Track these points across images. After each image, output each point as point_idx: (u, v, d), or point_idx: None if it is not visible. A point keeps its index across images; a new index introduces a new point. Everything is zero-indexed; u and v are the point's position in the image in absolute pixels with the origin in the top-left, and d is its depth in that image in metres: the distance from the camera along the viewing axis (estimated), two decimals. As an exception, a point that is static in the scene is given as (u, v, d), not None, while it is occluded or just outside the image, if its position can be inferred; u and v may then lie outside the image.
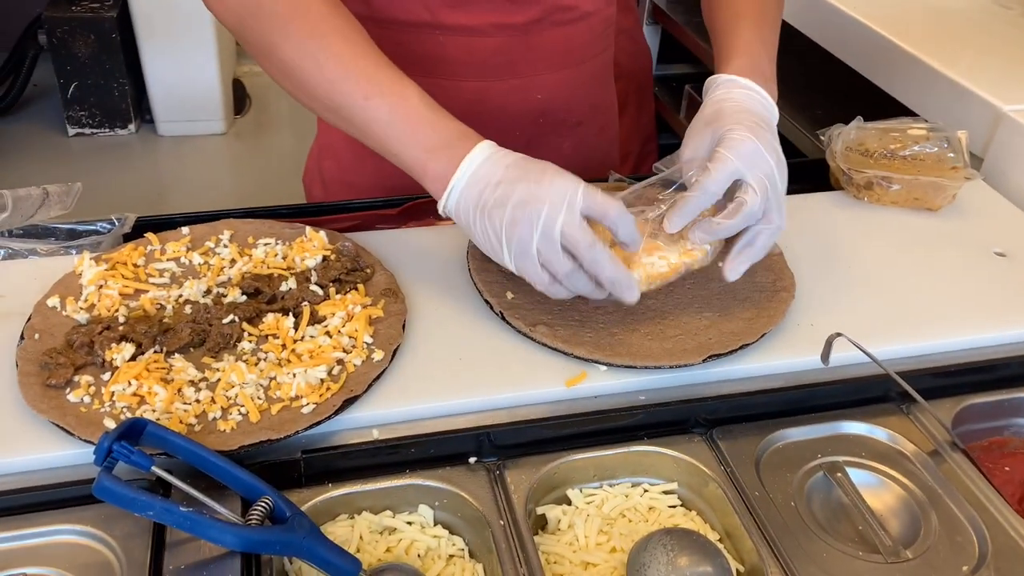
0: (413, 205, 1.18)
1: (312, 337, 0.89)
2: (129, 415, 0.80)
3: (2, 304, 0.93)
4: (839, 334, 0.88)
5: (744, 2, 1.04)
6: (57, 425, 0.78)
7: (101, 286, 0.93)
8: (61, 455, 0.78)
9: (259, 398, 0.83)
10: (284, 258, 0.99)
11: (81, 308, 0.91)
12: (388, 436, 0.83)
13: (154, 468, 0.72)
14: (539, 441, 0.85)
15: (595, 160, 1.33)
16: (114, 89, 3.36)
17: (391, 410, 0.85)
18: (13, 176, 3.19)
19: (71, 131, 3.44)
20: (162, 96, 3.40)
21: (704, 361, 0.89)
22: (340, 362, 0.87)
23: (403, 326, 0.92)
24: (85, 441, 0.77)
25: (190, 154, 3.45)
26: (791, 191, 1.25)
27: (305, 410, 0.81)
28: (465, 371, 0.89)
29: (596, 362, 0.89)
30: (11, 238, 1.03)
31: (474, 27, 1.12)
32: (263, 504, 0.71)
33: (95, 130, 3.45)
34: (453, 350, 0.92)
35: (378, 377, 0.86)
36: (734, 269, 0.90)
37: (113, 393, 0.82)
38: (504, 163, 0.84)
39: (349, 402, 0.83)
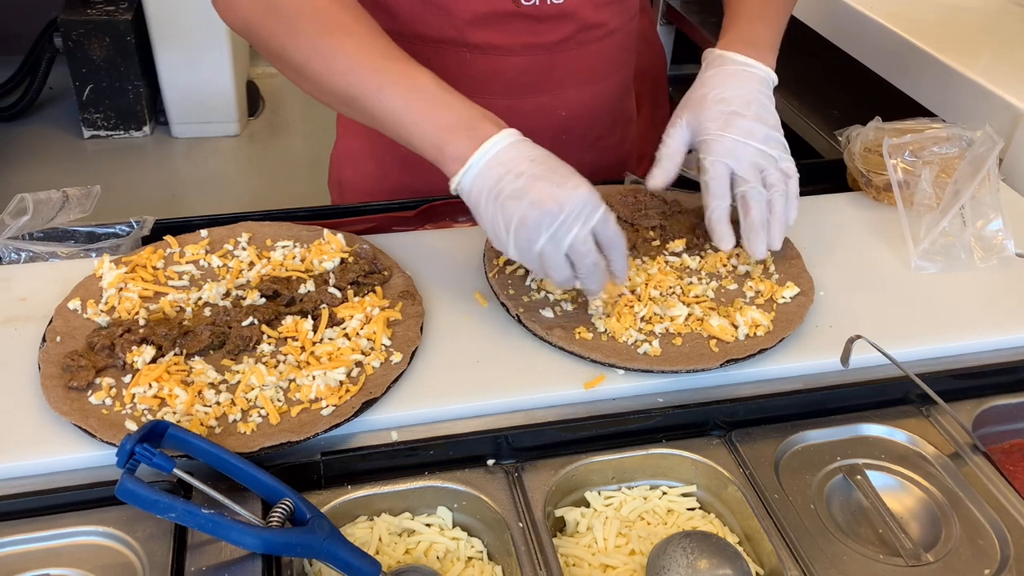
0: (429, 207, 1.18)
1: (331, 339, 0.90)
2: (150, 417, 0.80)
3: (24, 307, 0.94)
4: (859, 336, 0.87)
5: None
6: (79, 427, 0.79)
7: (121, 289, 0.94)
8: (83, 456, 0.79)
9: (279, 400, 0.83)
10: (302, 260, 1.00)
11: (102, 311, 0.92)
12: (407, 438, 0.83)
13: (175, 470, 0.72)
14: (557, 443, 0.85)
15: (612, 170, 1.34)
16: (129, 91, 3.38)
17: (410, 412, 0.85)
18: (29, 178, 3.22)
19: (86, 133, 3.46)
20: (176, 98, 3.42)
21: (722, 365, 0.89)
22: (359, 364, 0.87)
23: (421, 328, 0.92)
24: (107, 443, 0.78)
25: (204, 156, 3.47)
26: (807, 192, 1.25)
27: (325, 412, 0.82)
28: (483, 373, 0.89)
29: (614, 366, 0.89)
30: (32, 241, 1.04)
31: (502, 46, 1.12)
32: (283, 506, 0.72)
33: (110, 132, 3.48)
34: (471, 353, 0.92)
35: (396, 379, 0.86)
36: (759, 246, 0.97)
37: (134, 395, 0.82)
38: (529, 156, 0.84)
39: (368, 404, 0.84)
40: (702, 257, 1.04)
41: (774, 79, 1.01)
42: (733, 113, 0.95)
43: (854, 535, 0.81)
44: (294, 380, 0.85)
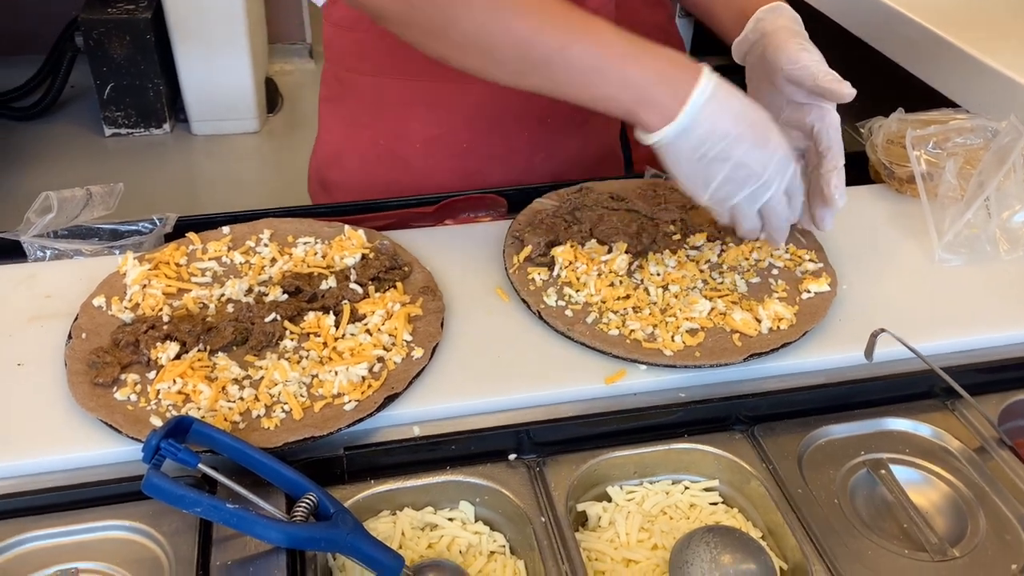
0: (448, 203, 1.18)
1: (352, 335, 0.90)
2: (175, 413, 0.81)
3: (49, 304, 0.95)
4: (883, 330, 0.87)
5: None
6: (105, 423, 0.80)
7: (145, 285, 0.95)
8: (109, 452, 0.80)
9: (302, 395, 0.83)
10: (323, 257, 1.00)
11: (126, 308, 0.93)
12: (429, 433, 0.83)
13: (200, 465, 0.73)
14: (579, 438, 0.85)
15: (598, 157, 1.33)
16: (149, 89, 3.41)
17: (431, 407, 0.85)
18: (52, 176, 3.25)
19: (107, 131, 3.49)
20: (196, 96, 3.45)
21: (746, 360, 0.89)
22: (380, 359, 0.87)
23: (441, 324, 0.92)
24: (132, 439, 0.78)
25: (223, 152, 3.49)
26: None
27: (347, 407, 0.82)
28: (504, 368, 0.89)
29: (636, 361, 0.89)
30: (57, 239, 1.05)
31: None
32: (307, 500, 0.72)
33: (131, 130, 3.51)
34: (492, 348, 0.92)
35: (418, 374, 0.87)
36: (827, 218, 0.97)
37: (159, 391, 0.83)
38: (729, 108, 0.85)
39: (390, 399, 0.84)
40: (723, 250, 1.04)
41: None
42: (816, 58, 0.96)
43: (879, 530, 0.80)
44: (317, 375, 0.85)
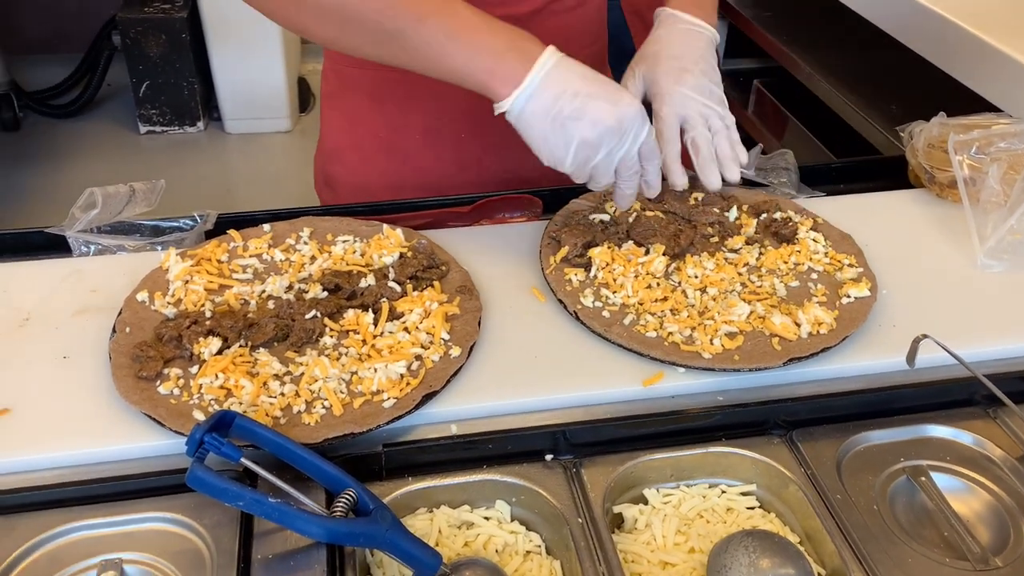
0: (485, 203, 1.18)
1: (391, 333, 0.91)
2: (216, 407, 0.82)
3: (95, 298, 0.96)
4: (925, 335, 0.86)
5: None
6: (149, 416, 0.81)
7: (187, 281, 0.96)
8: (152, 445, 0.81)
9: (341, 392, 0.84)
10: (362, 255, 1.01)
11: (169, 303, 0.94)
12: (466, 432, 0.84)
13: (242, 459, 0.73)
14: (616, 440, 0.85)
15: None
16: (183, 88, 3.45)
17: (469, 406, 0.86)
18: (88, 172, 3.30)
19: (143, 129, 3.54)
20: (229, 95, 3.48)
21: (785, 364, 0.88)
22: (418, 358, 0.88)
23: (479, 324, 0.93)
24: (176, 432, 0.79)
25: (256, 151, 3.52)
26: (866, 189, 1.23)
27: (386, 404, 0.83)
28: (541, 369, 0.90)
29: (674, 364, 0.89)
30: (101, 234, 1.07)
31: None
32: (347, 496, 0.73)
33: (165, 128, 3.55)
34: (529, 348, 0.92)
35: (455, 373, 0.87)
36: (713, 176, 1.01)
37: (201, 386, 0.84)
38: (579, 73, 0.88)
39: (428, 397, 0.84)
40: (762, 254, 1.03)
41: (718, 38, 1.09)
42: (683, 70, 1.02)
43: (918, 538, 0.79)
44: (356, 372, 0.86)
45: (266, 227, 1.05)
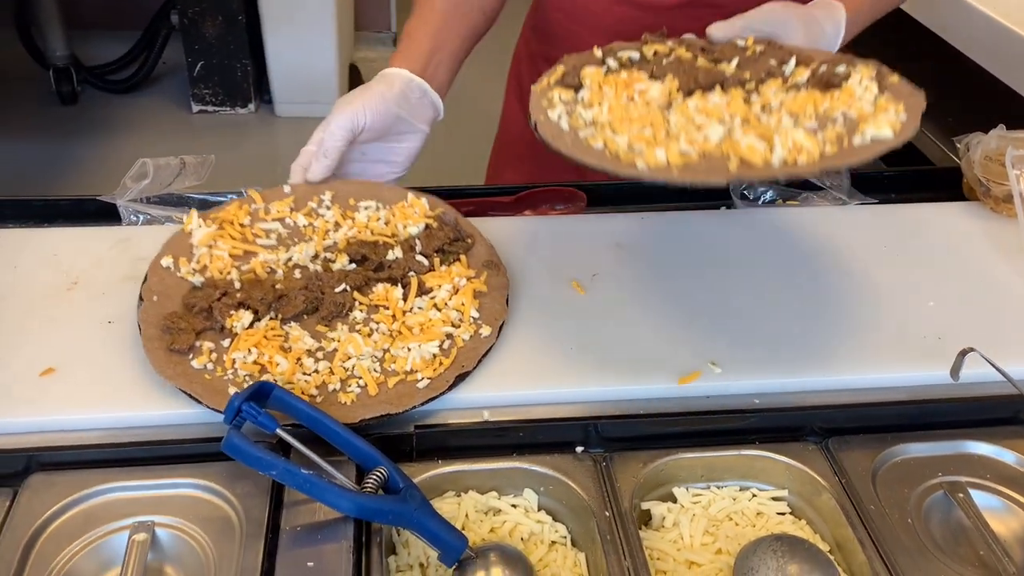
0: (529, 194, 1.18)
1: (420, 308, 0.90)
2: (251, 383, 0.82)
3: (142, 267, 0.97)
4: (971, 349, 0.84)
5: None
6: (184, 392, 0.81)
7: (211, 246, 0.95)
8: (188, 412, 0.82)
9: (375, 370, 0.84)
10: (387, 224, 1.00)
11: (195, 270, 0.93)
12: (497, 418, 0.84)
13: (278, 430, 0.74)
14: (647, 436, 0.85)
15: None
16: (237, 69, 3.50)
17: (500, 393, 0.86)
18: (141, 147, 3.36)
19: (195, 107, 3.59)
20: (281, 78, 3.52)
21: (728, 183, 0.80)
22: (449, 336, 0.88)
23: (507, 301, 0.92)
24: (212, 409, 0.79)
25: (305, 134, 3.46)
26: (918, 199, 1.21)
27: (420, 384, 0.83)
28: (576, 360, 0.89)
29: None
30: (150, 204, 1.08)
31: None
32: (378, 473, 0.73)
33: (217, 108, 3.60)
34: (564, 339, 0.92)
35: (486, 353, 0.87)
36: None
37: (235, 361, 0.84)
38: None
39: (460, 378, 0.84)
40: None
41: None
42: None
43: (953, 555, 0.78)
44: (388, 350, 0.86)
45: (286, 189, 1.04)
